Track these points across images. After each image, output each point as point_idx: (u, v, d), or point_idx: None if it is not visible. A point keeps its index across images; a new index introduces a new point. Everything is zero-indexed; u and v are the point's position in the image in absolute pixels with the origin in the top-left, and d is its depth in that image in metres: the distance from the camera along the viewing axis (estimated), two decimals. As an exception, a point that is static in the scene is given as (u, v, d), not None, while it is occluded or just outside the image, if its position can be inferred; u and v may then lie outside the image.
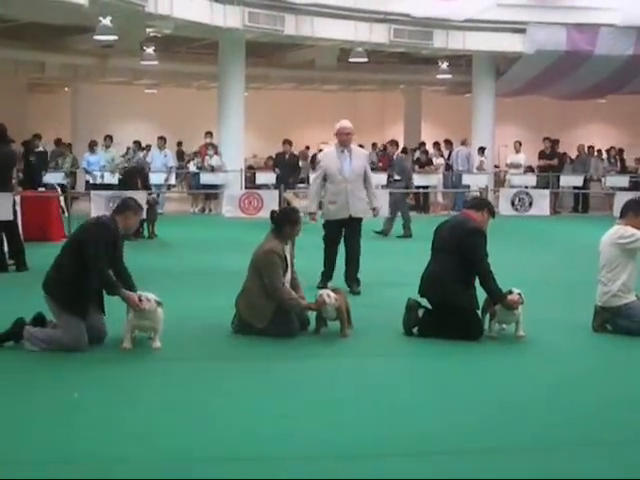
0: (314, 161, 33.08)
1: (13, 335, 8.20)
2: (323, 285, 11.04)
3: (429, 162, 27.18)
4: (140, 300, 8.15)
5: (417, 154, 27.55)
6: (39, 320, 8.29)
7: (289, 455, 5.63)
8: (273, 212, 9.54)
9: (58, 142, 26.79)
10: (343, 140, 11.78)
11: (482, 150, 27.41)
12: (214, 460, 5.52)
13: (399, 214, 18.74)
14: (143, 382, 7.35)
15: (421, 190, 25.44)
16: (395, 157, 20.88)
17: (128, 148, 22.61)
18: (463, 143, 28.34)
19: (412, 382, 7.46)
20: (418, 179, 25.61)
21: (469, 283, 8.95)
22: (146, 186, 18.61)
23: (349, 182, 11.62)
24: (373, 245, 16.00)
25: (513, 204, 24.74)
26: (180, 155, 31.89)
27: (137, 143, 24.13)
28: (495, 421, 6.37)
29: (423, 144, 28.76)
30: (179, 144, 33.04)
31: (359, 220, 11.81)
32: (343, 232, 11.74)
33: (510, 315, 8.99)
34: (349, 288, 11.41)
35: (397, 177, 19.98)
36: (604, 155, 30.28)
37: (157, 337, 8.34)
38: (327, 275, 11.69)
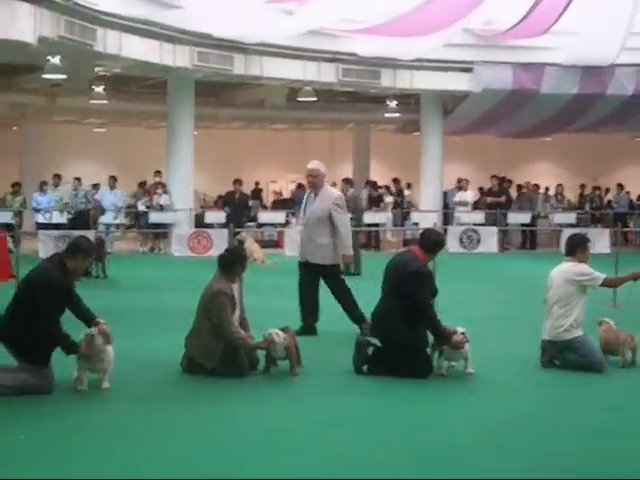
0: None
1: None
2: (305, 325, 11.18)
3: (380, 199, 27.40)
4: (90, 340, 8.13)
5: (366, 192, 27.77)
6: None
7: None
8: (221, 256, 9.45)
9: (14, 185, 26.53)
10: (308, 182, 11.71)
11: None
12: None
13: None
14: (92, 424, 7.26)
15: (372, 228, 25.59)
16: (349, 195, 20.79)
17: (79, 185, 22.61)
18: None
19: (360, 421, 7.43)
20: (369, 217, 25.79)
21: (417, 322, 8.98)
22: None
23: (306, 226, 11.51)
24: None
25: (461, 241, 24.94)
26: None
27: (78, 180, 24.11)
28: (442, 456, 6.40)
29: (374, 182, 28.96)
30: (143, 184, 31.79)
31: (323, 266, 11.42)
32: (314, 275, 11.52)
33: (458, 353, 9.05)
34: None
35: (350, 215, 19.92)
36: (551, 192, 30.71)
37: (106, 377, 8.28)
38: (304, 316, 11.46)
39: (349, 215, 19.76)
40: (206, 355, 8.88)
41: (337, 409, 7.81)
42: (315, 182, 11.49)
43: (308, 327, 11.26)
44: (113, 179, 25.56)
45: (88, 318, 8.47)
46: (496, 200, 27.54)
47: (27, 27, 17.49)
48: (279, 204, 32.85)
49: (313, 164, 11.61)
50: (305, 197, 11.86)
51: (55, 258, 8.55)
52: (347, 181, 21.11)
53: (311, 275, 11.51)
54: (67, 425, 7.20)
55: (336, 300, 11.58)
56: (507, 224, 26.78)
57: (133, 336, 10.86)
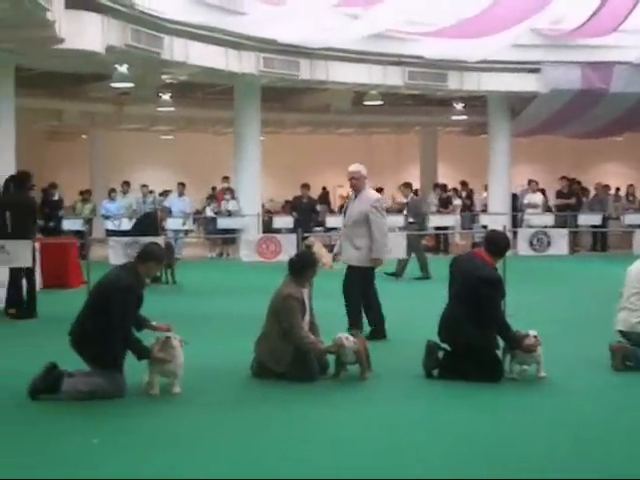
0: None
1: (50, 388, 8.06)
2: (373, 329, 11.23)
3: (448, 202, 27.28)
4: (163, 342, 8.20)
5: (434, 195, 27.72)
6: (53, 371, 8.17)
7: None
8: (291, 260, 9.48)
9: (83, 193, 26.85)
10: (350, 185, 11.62)
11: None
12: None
13: (413, 256, 18.66)
14: (165, 427, 7.29)
15: (441, 232, 25.52)
16: (410, 199, 20.74)
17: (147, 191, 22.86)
18: None
19: (430, 427, 7.36)
20: (436, 220, 25.70)
21: (487, 325, 8.87)
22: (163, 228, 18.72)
23: (346, 227, 11.47)
24: (392, 287, 15.99)
25: (531, 244, 24.65)
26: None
27: (145, 187, 24.33)
28: (516, 463, 6.30)
29: (444, 185, 28.82)
30: (214, 189, 31.95)
31: (357, 268, 11.30)
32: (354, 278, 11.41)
33: (530, 357, 8.93)
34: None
35: (411, 220, 19.93)
36: (622, 193, 30.27)
37: (176, 382, 8.31)
38: (350, 319, 11.36)
39: (411, 219, 19.87)
40: (276, 359, 8.87)
41: (407, 414, 7.74)
42: (357, 185, 11.42)
43: (376, 331, 11.19)
44: (182, 186, 25.85)
45: (141, 321, 8.57)
46: (566, 202, 27.24)
47: (95, 36, 17.68)
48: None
49: (354, 167, 11.55)
50: (349, 200, 11.80)
51: (127, 265, 8.68)
52: (407, 185, 20.93)
53: (349, 277, 11.43)
54: (139, 429, 7.24)
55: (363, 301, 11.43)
56: (577, 226, 26.44)
57: (203, 341, 10.89)
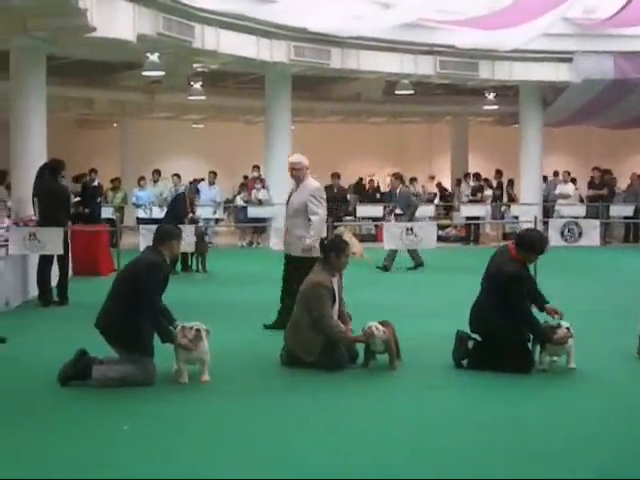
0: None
1: (80, 374, 8.12)
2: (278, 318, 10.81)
3: (481, 189, 27.11)
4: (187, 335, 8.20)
5: (465, 185, 27.65)
6: (83, 358, 8.23)
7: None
8: (322, 240, 9.54)
9: (113, 180, 26.95)
10: (291, 176, 11.44)
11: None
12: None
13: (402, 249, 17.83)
14: (194, 415, 7.33)
15: (471, 222, 25.44)
16: (399, 191, 19.74)
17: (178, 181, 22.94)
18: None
19: (458, 417, 7.34)
20: (467, 210, 25.63)
21: (516, 317, 8.83)
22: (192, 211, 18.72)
23: (287, 218, 11.35)
24: (420, 278, 15.97)
25: (562, 235, 24.53)
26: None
27: (177, 176, 24.38)
28: (542, 457, 6.27)
29: (477, 174, 28.56)
30: (246, 178, 31.89)
31: (298, 258, 10.97)
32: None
33: (560, 348, 8.88)
34: None
35: (399, 211, 19.41)
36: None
37: (205, 370, 8.33)
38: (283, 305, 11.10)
39: (398, 211, 19.08)
40: (305, 348, 8.88)
41: (436, 404, 7.72)
42: (298, 175, 11.27)
43: (280, 321, 10.76)
44: (213, 174, 25.94)
45: (168, 319, 8.57)
46: (598, 193, 27.06)
47: (127, 25, 17.71)
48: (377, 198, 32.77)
49: (295, 157, 11.42)
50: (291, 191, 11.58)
51: (150, 248, 8.72)
52: (397, 176, 20.17)
53: (291, 268, 11.17)
54: (169, 416, 7.26)
55: (286, 291, 11.12)
56: (609, 217, 26.25)
57: (232, 329, 10.94)
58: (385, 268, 18.24)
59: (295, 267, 10.93)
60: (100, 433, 6.75)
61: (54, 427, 6.93)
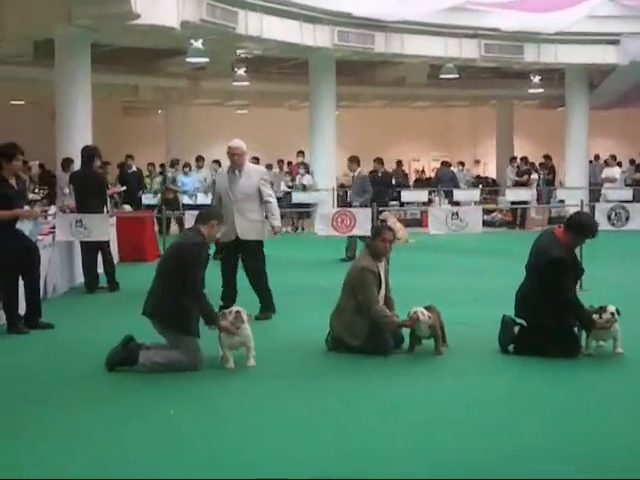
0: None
1: (127, 360, 8.18)
2: (224, 305, 10.56)
3: (528, 172, 26.82)
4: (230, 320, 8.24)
5: (511, 169, 27.46)
6: (129, 343, 8.29)
7: (389, 476, 5.52)
8: (372, 227, 9.57)
9: (160, 165, 26.95)
10: (232, 161, 11.36)
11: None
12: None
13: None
14: (239, 399, 7.34)
15: (517, 206, 25.30)
16: (356, 175, 18.72)
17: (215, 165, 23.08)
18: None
19: (505, 402, 7.29)
20: (512, 194, 25.48)
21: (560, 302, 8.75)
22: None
23: (236, 203, 11.17)
24: (454, 262, 15.91)
25: (609, 219, 24.29)
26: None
27: (217, 162, 24.41)
28: (595, 439, 6.23)
29: (525, 157, 28.21)
30: (290, 163, 31.90)
31: (252, 242, 11.18)
32: (240, 255, 11.29)
33: (606, 332, 8.79)
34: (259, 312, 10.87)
35: (356, 197, 18.31)
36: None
37: (251, 355, 8.35)
38: (226, 296, 11.10)
39: (356, 197, 18.39)
40: (351, 333, 8.87)
41: (482, 389, 7.67)
42: (238, 160, 11.28)
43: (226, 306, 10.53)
44: (255, 160, 25.87)
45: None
46: (644, 176, 26.84)
47: (171, 12, 17.80)
48: (421, 183, 32.67)
49: (235, 142, 11.39)
50: (225, 177, 11.43)
51: (192, 230, 8.74)
52: (353, 159, 18.94)
53: (245, 253, 11.29)
54: (215, 401, 7.29)
55: (250, 277, 11.28)
56: (656, 200, 25.98)
57: (278, 315, 10.97)
58: (349, 258, 17.09)
59: (251, 250, 11.19)
60: (147, 417, 6.79)
61: (102, 411, 6.96)
